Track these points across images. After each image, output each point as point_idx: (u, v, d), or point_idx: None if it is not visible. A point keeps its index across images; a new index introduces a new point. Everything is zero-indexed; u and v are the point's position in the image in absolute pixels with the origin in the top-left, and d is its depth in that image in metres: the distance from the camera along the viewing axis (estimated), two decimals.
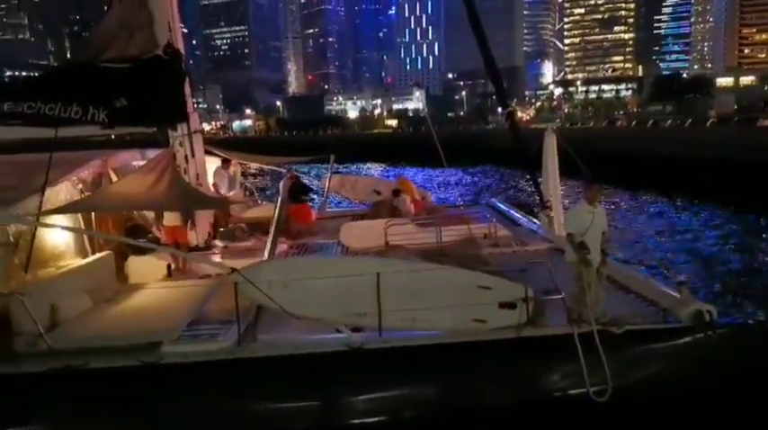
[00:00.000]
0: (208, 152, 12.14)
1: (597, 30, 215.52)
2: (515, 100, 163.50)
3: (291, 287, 5.85)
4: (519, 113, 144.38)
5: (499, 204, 14.81)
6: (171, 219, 10.12)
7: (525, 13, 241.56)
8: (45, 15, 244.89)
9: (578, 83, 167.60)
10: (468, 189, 38.63)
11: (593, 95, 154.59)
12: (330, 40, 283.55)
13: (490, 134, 54.57)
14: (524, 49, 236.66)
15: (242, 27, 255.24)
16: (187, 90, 10.30)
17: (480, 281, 6.13)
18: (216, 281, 7.72)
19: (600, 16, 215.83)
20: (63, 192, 8.10)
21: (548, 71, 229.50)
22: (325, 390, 5.79)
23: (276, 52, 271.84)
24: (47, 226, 6.89)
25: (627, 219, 23.93)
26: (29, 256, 6.61)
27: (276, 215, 7.81)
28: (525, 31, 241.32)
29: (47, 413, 5.79)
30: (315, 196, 16.39)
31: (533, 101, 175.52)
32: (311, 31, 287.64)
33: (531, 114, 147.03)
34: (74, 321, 6.76)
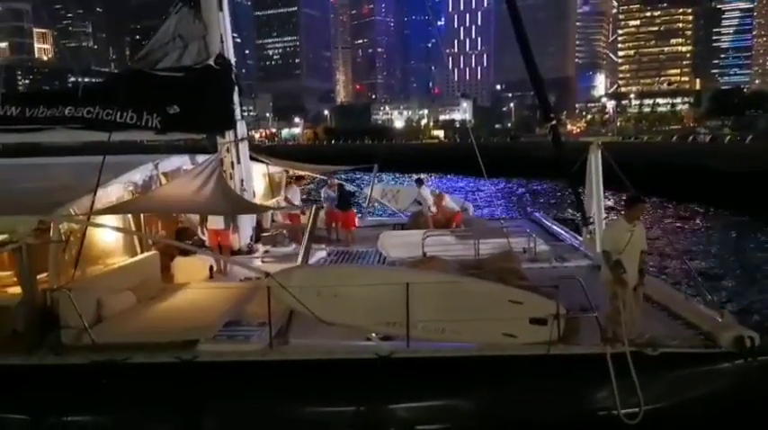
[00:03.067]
0: (253, 158, 12.48)
1: (653, 42, 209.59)
2: (565, 112, 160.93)
3: (323, 294, 5.96)
4: (569, 126, 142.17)
5: (541, 218, 14.63)
6: (215, 222, 10.46)
7: (578, 24, 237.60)
8: (108, 24, 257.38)
9: (632, 96, 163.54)
10: (513, 200, 38.20)
11: (647, 109, 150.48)
12: (379, 50, 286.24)
13: (541, 145, 53.47)
14: (576, 60, 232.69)
15: (294, 37, 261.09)
16: (236, 99, 10.65)
17: (511, 295, 6.09)
18: (254, 284, 7.91)
19: (656, 28, 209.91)
20: (114, 193, 8.47)
21: (600, 83, 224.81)
22: (351, 397, 5.86)
23: (326, 62, 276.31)
24: (96, 225, 7.24)
25: (678, 233, 23.18)
26: (78, 253, 6.96)
27: (310, 223, 7.97)
28: (577, 42, 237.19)
29: (90, 404, 6.07)
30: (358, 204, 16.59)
31: (584, 113, 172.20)
32: (360, 41, 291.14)
33: (582, 127, 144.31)
34: (118, 317, 7.07)
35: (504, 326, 5.98)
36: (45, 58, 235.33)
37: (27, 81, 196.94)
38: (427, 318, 5.96)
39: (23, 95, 16.85)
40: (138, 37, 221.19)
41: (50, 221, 6.71)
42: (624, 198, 6.71)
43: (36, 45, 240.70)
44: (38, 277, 6.72)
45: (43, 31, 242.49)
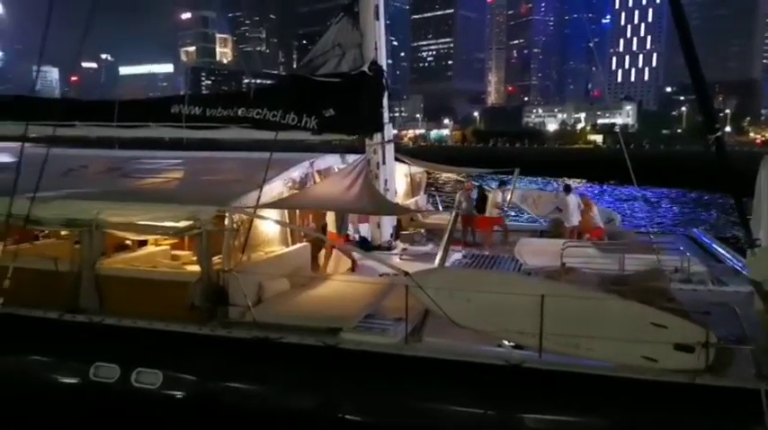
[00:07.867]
0: (398, 160, 13.06)
1: None
2: (748, 118, 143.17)
3: (457, 296, 6.19)
4: (752, 134, 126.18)
5: (701, 235, 13.42)
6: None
7: (767, 21, 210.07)
8: (279, 30, 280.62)
9: None
10: (675, 214, 35.17)
11: None
12: (535, 51, 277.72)
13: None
14: (764, 61, 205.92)
15: (448, 39, 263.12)
16: (385, 103, 11.26)
17: (655, 317, 5.81)
18: (391, 280, 8.38)
19: None
20: (276, 188, 9.44)
21: None
22: (478, 401, 6.00)
23: (479, 63, 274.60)
24: (262, 217, 8.19)
25: None
26: (246, 241, 7.92)
27: (449, 225, 8.26)
28: (766, 41, 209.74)
29: (248, 374, 6.92)
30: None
31: None
32: (516, 41, 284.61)
33: None
34: (275, 300, 7.94)
35: (645, 349, 5.73)
36: (225, 62, 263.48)
37: (209, 82, 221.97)
38: (561, 332, 5.91)
39: (205, 97, 19.26)
40: (304, 42, 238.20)
41: (226, 212, 7.72)
42: None
43: (218, 49, 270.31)
44: (212, 259, 7.78)
45: (224, 36, 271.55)
